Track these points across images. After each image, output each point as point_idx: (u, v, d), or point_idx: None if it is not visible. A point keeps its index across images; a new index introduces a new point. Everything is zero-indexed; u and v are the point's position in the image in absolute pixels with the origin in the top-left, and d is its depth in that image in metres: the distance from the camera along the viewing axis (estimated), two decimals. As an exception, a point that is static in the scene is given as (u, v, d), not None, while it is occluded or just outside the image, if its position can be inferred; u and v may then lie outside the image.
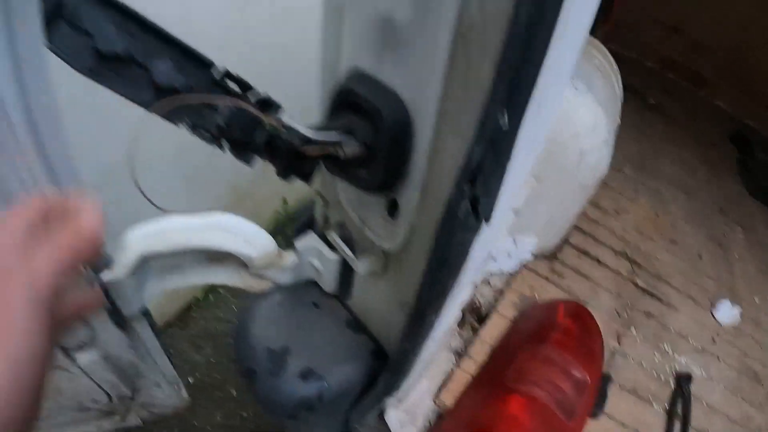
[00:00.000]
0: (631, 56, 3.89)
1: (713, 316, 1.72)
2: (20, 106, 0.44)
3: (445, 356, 1.12)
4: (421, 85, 0.42)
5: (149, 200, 0.53)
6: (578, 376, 1.05)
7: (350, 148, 0.51)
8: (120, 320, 0.69)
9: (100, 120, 1.04)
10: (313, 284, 0.80)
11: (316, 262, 0.74)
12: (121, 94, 0.57)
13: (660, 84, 3.68)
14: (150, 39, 0.56)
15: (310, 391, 0.70)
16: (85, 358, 0.70)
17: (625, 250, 1.71)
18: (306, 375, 0.71)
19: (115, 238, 0.67)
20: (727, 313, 1.75)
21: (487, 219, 0.39)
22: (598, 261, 1.59)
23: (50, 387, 0.74)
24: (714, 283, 1.87)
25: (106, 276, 0.63)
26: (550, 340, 1.10)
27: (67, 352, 0.67)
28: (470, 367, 1.13)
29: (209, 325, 1.91)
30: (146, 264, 0.67)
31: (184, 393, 1.01)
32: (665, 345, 1.50)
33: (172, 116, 0.57)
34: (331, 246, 0.71)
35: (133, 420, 0.99)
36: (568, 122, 1.21)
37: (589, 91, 1.24)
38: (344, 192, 0.63)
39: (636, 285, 1.60)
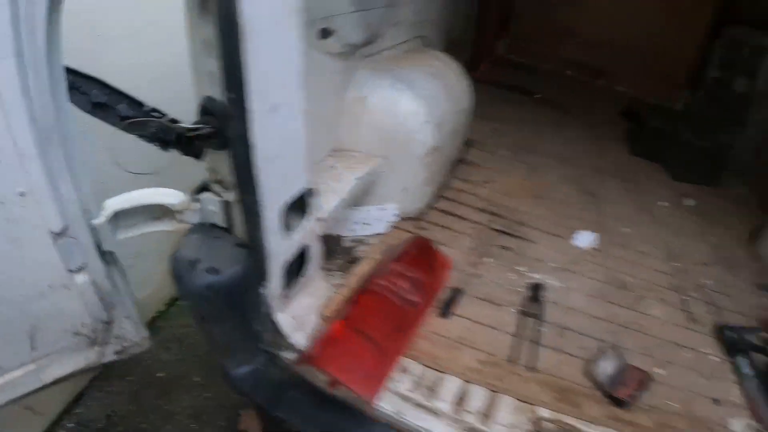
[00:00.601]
0: (529, 62, 5.04)
1: (573, 244, 2.47)
2: (59, 129, 1.21)
3: (326, 286, 1.85)
4: (224, 96, 1.21)
5: (129, 171, 1.30)
6: (415, 278, 1.80)
7: (206, 131, 1.30)
8: (102, 253, 1.43)
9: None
10: (215, 226, 1.56)
11: (212, 207, 1.50)
12: (105, 121, 1.35)
13: (559, 82, 4.78)
14: (116, 94, 1.36)
15: (212, 279, 1.43)
16: (80, 278, 1.41)
17: (489, 207, 2.51)
18: (209, 271, 1.45)
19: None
20: (586, 239, 2.49)
21: (243, 138, 1.17)
22: (461, 217, 2.39)
23: (56, 309, 1.45)
24: (578, 222, 2.63)
25: (94, 222, 1.38)
26: (396, 260, 1.86)
27: (70, 271, 1.40)
28: (345, 292, 1.86)
29: (174, 331, 2.66)
30: (118, 218, 1.42)
31: (145, 332, 1.71)
32: (521, 268, 2.23)
33: (129, 130, 1.36)
34: (218, 194, 1.48)
35: (110, 354, 1.66)
36: (394, 113, 2.04)
37: (409, 89, 2.08)
38: (215, 159, 1.41)
39: (495, 230, 2.39)
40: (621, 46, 4.93)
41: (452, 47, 3.29)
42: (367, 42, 2.12)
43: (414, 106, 2.06)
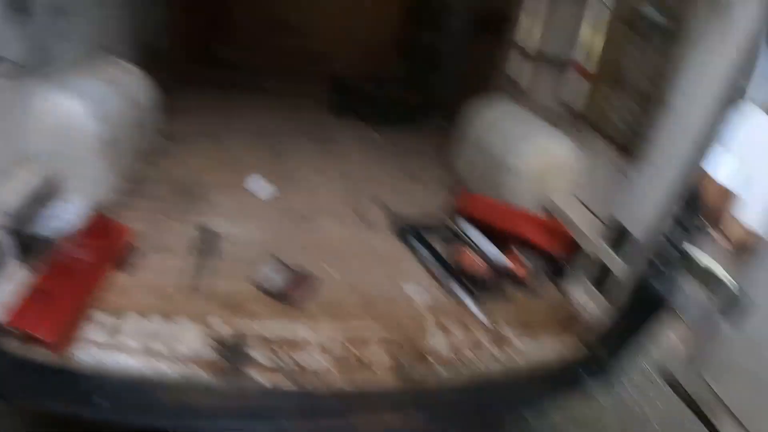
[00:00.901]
0: (247, 58, 6.29)
1: (252, 196, 3.39)
2: None
3: (23, 272, 2.38)
4: None
5: None
6: (90, 244, 2.63)
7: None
8: None
9: None
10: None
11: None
12: None
13: (276, 72, 5.99)
14: None
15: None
16: None
17: (179, 183, 3.34)
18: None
19: None
20: (265, 189, 3.40)
21: None
22: (151, 195, 3.18)
23: None
24: (263, 178, 3.48)
25: None
26: (75, 234, 2.68)
27: None
28: (39, 273, 2.40)
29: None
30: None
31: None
32: (202, 220, 3.00)
33: None
34: None
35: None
36: (61, 116, 2.73)
37: (74, 94, 2.79)
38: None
39: (181, 198, 3.22)
40: (334, 32, 6.44)
41: (153, 54, 4.12)
42: (35, 59, 2.75)
43: (78, 107, 2.79)
